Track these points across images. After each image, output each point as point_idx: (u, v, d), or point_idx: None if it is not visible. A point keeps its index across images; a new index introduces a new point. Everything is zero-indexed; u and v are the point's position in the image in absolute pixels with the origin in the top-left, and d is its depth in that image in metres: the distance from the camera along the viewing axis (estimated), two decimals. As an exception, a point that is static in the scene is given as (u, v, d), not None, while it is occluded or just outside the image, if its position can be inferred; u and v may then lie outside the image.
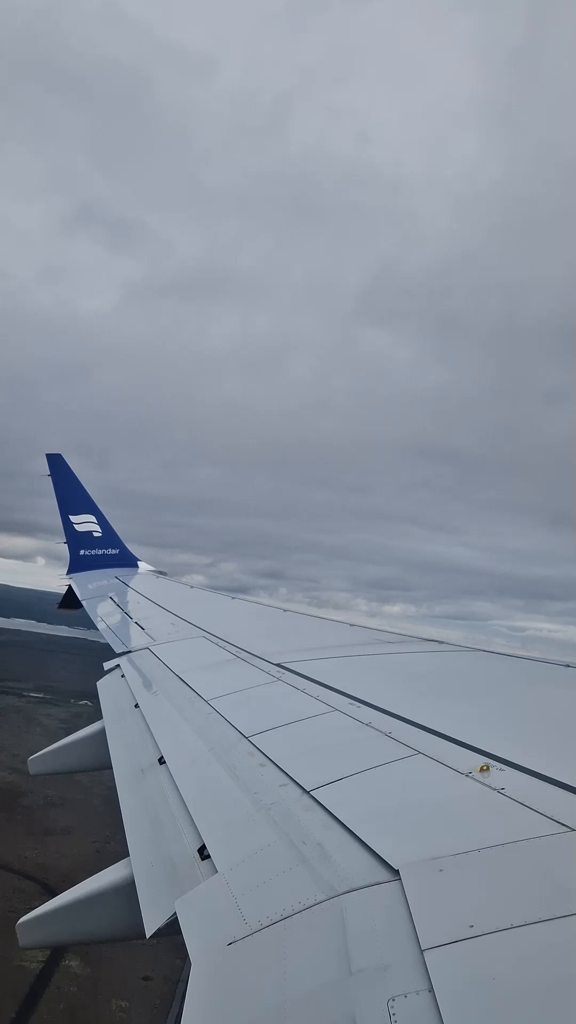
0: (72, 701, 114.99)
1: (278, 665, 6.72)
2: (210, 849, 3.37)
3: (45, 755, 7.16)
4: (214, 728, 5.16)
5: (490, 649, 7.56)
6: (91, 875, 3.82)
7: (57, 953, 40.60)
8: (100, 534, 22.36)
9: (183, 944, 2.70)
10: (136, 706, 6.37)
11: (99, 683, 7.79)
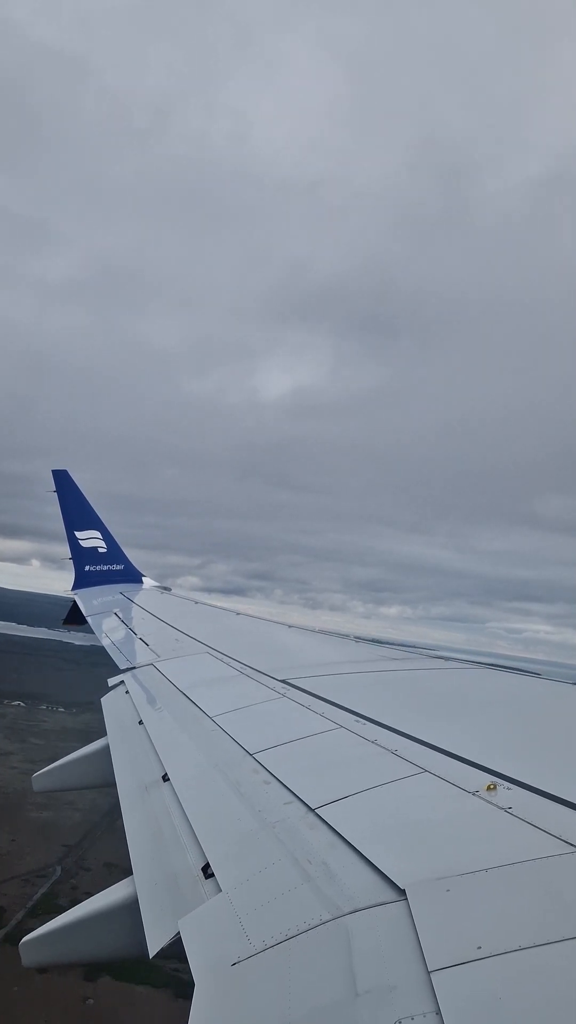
0: (4, 702, 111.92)
1: (283, 681, 6.69)
2: (214, 867, 3.34)
3: (48, 772, 7.12)
4: (218, 745, 5.13)
5: (497, 659, 7.51)
6: None
7: None
8: (105, 550, 22.39)
9: None
10: (140, 723, 6.34)
11: (103, 699, 7.76)
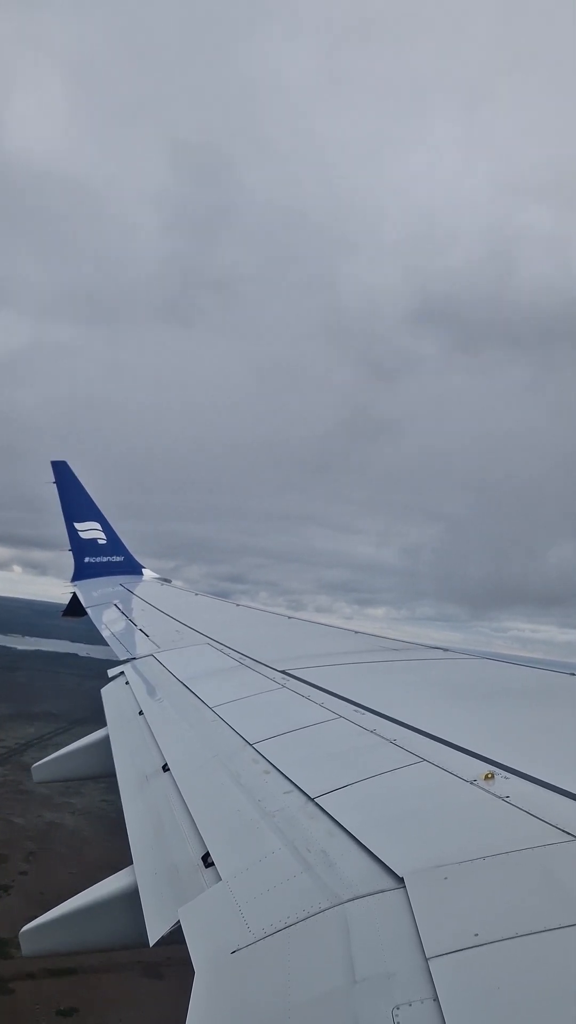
0: None
1: (283, 672, 6.71)
2: (214, 856, 3.36)
3: (49, 763, 7.15)
4: (218, 735, 5.15)
5: (494, 654, 7.54)
6: None
7: None
8: (105, 541, 22.36)
9: None
10: (140, 713, 6.36)
11: (103, 690, 7.79)
